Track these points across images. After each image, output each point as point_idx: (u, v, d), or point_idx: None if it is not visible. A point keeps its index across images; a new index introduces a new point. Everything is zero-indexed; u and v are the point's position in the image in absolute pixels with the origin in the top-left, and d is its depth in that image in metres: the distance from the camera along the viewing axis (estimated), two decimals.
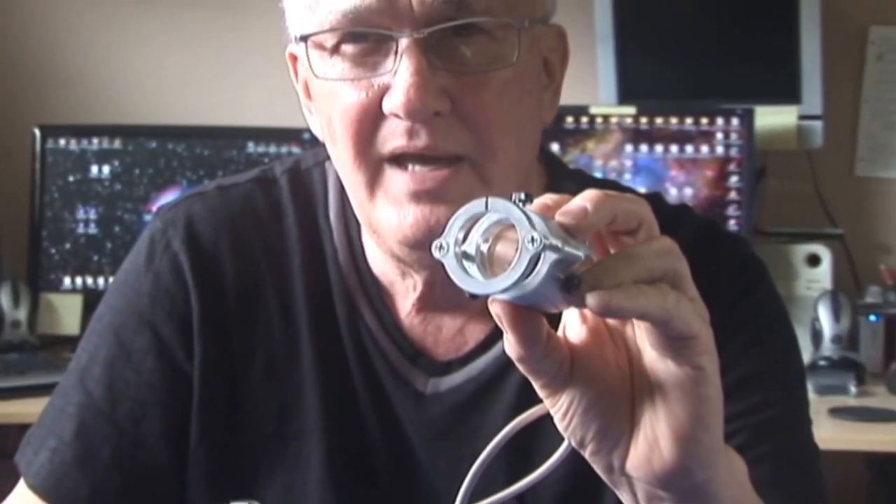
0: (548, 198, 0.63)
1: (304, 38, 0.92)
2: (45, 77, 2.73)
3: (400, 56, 0.86)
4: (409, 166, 0.89)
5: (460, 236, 0.62)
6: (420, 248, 0.89)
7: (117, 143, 2.46)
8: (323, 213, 1.04)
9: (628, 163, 2.32)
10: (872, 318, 2.24)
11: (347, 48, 0.90)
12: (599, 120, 2.33)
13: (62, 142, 2.47)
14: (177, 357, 1.02)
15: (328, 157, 0.99)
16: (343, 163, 0.93)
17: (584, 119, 2.32)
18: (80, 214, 2.46)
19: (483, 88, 0.89)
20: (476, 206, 0.62)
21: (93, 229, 2.46)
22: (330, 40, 0.90)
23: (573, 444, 0.68)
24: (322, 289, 1.02)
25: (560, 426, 0.67)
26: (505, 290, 0.60)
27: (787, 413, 0.97)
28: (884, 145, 2.49)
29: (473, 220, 0.62)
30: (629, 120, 2.32)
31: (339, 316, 1.01)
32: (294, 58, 0.98)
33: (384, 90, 0.88)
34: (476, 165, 0.89)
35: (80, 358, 1.06)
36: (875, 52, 2.48)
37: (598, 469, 0.68)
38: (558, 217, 0.61)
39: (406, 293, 1.01)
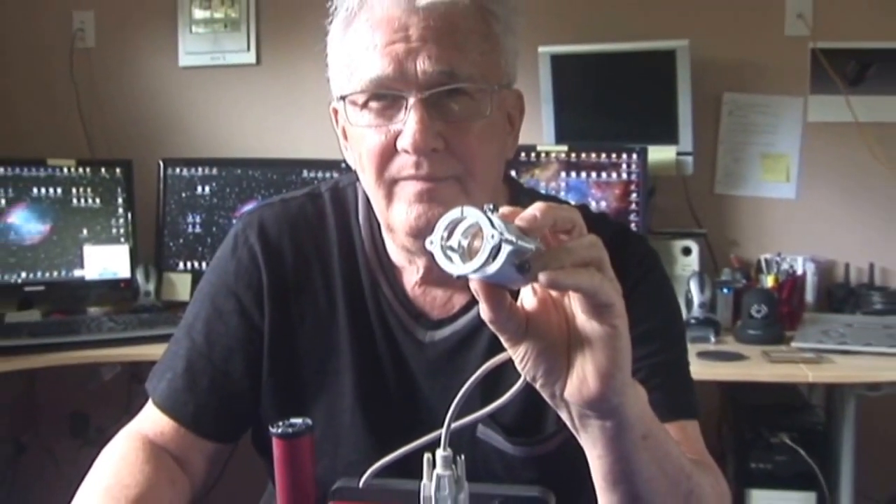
0: (508, 208, 0.62)
1: (343, 98, 0.91)
2: (166, 126, 2.71)
3: (409, 110, 0.86)
4: (415, 181, 0.88)
5: (445, 234, 0.61)
6: (421, 237, 0.88)
7: (214, 171, 2.44)
8: (354, 217, 1.03)
9: (563, 184, 2.30)
10: (725, 290, 2.22)
11: (373, 104, 0.89)
12: (543, 155, 2.31)
13: (177, 170, 2.45)
14: (253, 316, 1.01)
15: (358, 179, 0.98)
16: (369, 183, 0.92)
17: (533, 154, 2.31)
18: (189, 219, 2.44)
19: (466, 133, 0.88)
20: (455, 212, 0.61)
21: (197, 229, 2.44)
22: (361, 98, 0.89)
23: (527, 379, 0.67)
24: (353, 269, 1.01)
25: (518, 367, 0.66)
26: (475, 271, 0.59)
27: (673, 357, 0.96)
28: (733, 173, 2.48)
29: (455, 224, 0.61)
30: (563, 155, 2.30)
31: (365, 288, 1.00)
32: (335, 111, 0.96)
33: (397, 134, 0.87)
34: (461, 181, 0.89)
35: (188, 317, 1.05)
36: (727, 109, 2.47)
37: (545, 396, 0.67)
38: (517, 221, 0.60)
39: (412, 273, 1.00)
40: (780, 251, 2.37)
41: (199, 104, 2.71)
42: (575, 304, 0.64)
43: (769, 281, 2.28)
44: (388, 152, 0.88)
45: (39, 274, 2.31)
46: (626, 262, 0.86)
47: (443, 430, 0.70)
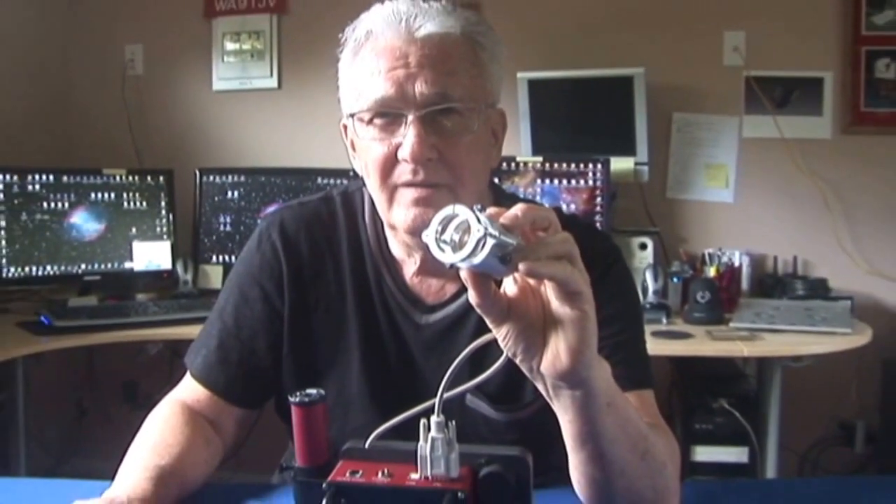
0: (494, 208, 0.61)
1: (352, 115, 0.90)
2: (201, 140, 2.70)
3: (408, 126, 0.85)
4: (413, 187, 0.87)
5: (439, 229, 0.59)
6: (418, 235, 0.86)
7: (242, 178, 2.42)
8: (361, 217, 1.02)
9: (538, 190, 2.29)
10: (675, 279, 2.22)
11: (377, 121, 0.88)
12: (522, 165, 2.30)
13: (211, 177, 2.42)
14: (275, 302, 0.99)
15: (364, 185, 0.96)
16: (373, 187, 0.91)
17: (513, 164, 2.30)
18: (221, 220, 2.42)
19: (457, 145, 0.87)
20: (447, 210, 0.60)
21: (228, 228, 2.42)
22: (367, 116, 0.88)
23: (509, 355, 0.66)
24: (360, 262, 0.99)
25: (501, 345, 0.65)
26: (463, 261, 0.58)
27: (633, 337, 0.94)
28: (682, 181, 2.47)
29: (448, 220, 0.59)
30: (539, 165, 2.29)
31: (370, 278, 0.99)
32: (345, 127, 0.95)
33: (398, 146, 0.86)
34: (451, 189, 0.88)
35: (219, 303, 1.03)
36: (676, 127, 2.46)
37: (524, 370, 0.66)
38: (500, 220, 0.59)
39: (410, 265, 0.98)
40: (720, 246, 2.38)
41: (230, 122, 2.70)
42: (550, 291, 0.63)
43: (712, 271, 2.28)
44: (390, 161, 0.87)
45: (96, 265, 2.31)
46: (594, 256, 0.84)
47: (437, 399, 0.69)
